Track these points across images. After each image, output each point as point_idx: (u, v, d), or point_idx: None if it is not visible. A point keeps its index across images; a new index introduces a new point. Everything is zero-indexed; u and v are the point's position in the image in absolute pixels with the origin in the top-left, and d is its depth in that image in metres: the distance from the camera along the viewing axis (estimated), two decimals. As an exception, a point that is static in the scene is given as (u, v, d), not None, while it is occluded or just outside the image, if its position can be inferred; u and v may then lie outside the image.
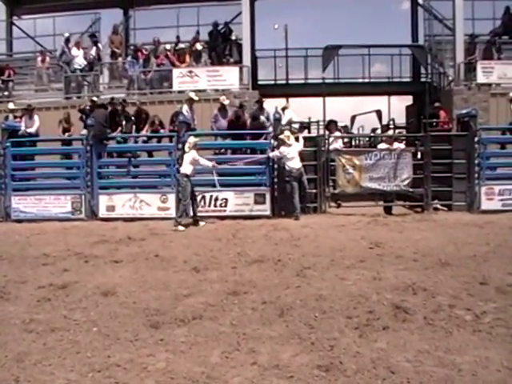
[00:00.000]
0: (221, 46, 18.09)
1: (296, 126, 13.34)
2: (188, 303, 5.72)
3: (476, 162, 12.33)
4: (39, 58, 19.06)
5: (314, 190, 12.49)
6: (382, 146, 12.90)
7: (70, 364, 4.23)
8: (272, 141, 12.56)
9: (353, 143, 20.81)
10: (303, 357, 4.25)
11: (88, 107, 14.38)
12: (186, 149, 11.64)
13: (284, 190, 12.28)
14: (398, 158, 12.39)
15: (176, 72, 17.31)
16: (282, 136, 12.13)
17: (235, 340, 4.65)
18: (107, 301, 5.90)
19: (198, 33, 19.09)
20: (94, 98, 15.14)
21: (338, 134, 14.21)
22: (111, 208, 12.77)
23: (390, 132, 17.26)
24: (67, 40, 18.71)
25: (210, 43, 18.31)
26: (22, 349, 4.55)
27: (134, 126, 14.01)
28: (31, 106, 14.77)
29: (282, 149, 12.03)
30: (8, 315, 5.46)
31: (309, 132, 14.14)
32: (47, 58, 19.16)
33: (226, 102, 14.12)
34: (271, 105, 15.08)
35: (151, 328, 4.99)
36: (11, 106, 15.77)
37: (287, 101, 18.54)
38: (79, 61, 18.32)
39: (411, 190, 12.55)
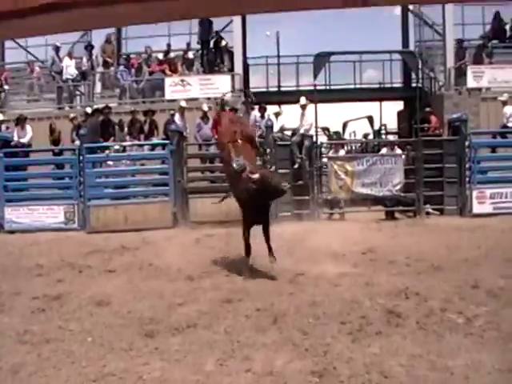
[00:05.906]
0: (212, 54, 18.15)
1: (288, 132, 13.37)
2: (182, 312, 5.75)
3: (467, 166, 12.40)
4: (28, 69, 19.05)
5: (307, 197, 12.53)
6: (384, 150, 13.08)
7: (65, 374, 4.24)
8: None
9: (345, 149, 20.85)
10: (297, 363, 4.28)
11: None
12: None
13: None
14: (390, 162, 12.48)
15: (168, 81, 17.34)
16: None
17: (229, 348, 4.67)
18: (101, 311, 5.91)
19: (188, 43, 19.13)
20: (88, 110, 15.09)
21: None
22: (104, 217, 12.75)
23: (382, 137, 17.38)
24: (57, 49, 18.68)
25: (199, 36, 18.25)
26: (17, 360, 4.55)
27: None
28: (23, 116, 14.72)
29: None
30: (2, 327, 5.47)
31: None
32: (37, 69, 19.14)
33: (206, 109, 14.09)
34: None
35: (146, 337, 5.00)
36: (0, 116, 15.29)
37: (280, 107, 18.60)
38: (71, 71, 18.30)
39: (403, 194, 12.61)
